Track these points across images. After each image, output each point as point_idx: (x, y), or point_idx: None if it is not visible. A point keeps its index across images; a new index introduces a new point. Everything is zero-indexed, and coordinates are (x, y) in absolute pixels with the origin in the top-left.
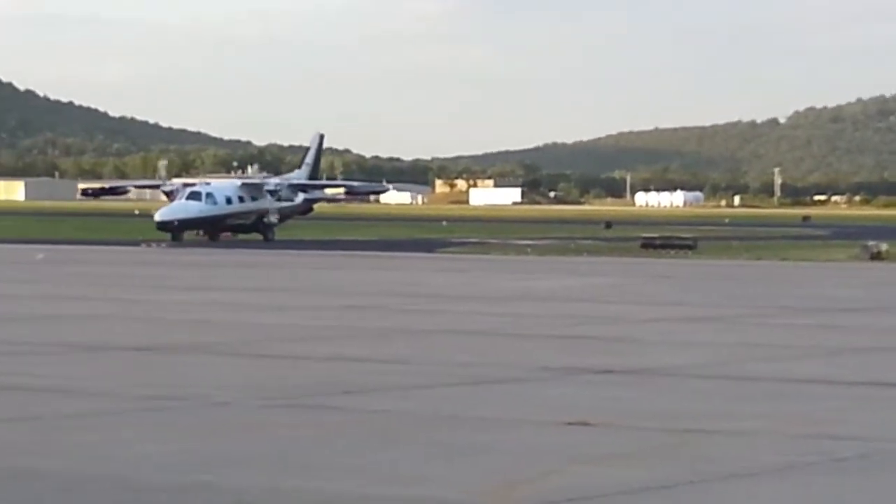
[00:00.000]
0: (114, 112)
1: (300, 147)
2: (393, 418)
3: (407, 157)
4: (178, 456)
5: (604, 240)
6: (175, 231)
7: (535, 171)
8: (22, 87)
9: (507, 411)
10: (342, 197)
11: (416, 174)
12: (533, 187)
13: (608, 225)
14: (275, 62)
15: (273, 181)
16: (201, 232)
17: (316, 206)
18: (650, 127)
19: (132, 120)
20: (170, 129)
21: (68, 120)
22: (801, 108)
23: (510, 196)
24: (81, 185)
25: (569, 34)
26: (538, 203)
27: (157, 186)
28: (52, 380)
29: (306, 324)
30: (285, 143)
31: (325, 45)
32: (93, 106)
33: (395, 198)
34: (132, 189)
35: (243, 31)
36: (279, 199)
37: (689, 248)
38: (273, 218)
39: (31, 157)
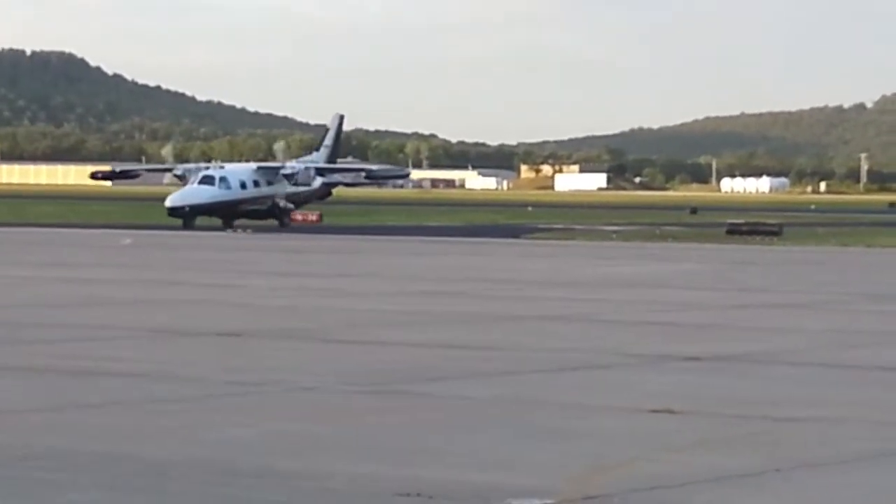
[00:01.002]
0: (201, 96)
1: (386, 132)
2: (478, 404)
3: (492, 142)
4: (264, 441)
5: (689, 226)
6: (186, 217)
7: (621, 156)
8: (110, 72)
9: (591, 398)
10: (363, 181)
11: (501, 159)
12: (618, 173)
13: (693, 211)
14: (360, 47)
15: (289, 164)
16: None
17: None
18: (736, 112)
19: (219, 104)
20: (256, 113)
21: (156, 104)
22: (889, 92)
23: (595, 181)
24: (92, 169)
25: (655, 18)
26: (623, 189)
27: (169, 170)
28: (140, 365)
29: (392, 309)
30: (371, 128)
31: (411, 29)
32: (180, 90)
33: (480, 183)
34: (143, 173)
35: (329, 16)
36: (296, 184)
37: (775, 234)
38: (284, 203)
39: (118, 141)
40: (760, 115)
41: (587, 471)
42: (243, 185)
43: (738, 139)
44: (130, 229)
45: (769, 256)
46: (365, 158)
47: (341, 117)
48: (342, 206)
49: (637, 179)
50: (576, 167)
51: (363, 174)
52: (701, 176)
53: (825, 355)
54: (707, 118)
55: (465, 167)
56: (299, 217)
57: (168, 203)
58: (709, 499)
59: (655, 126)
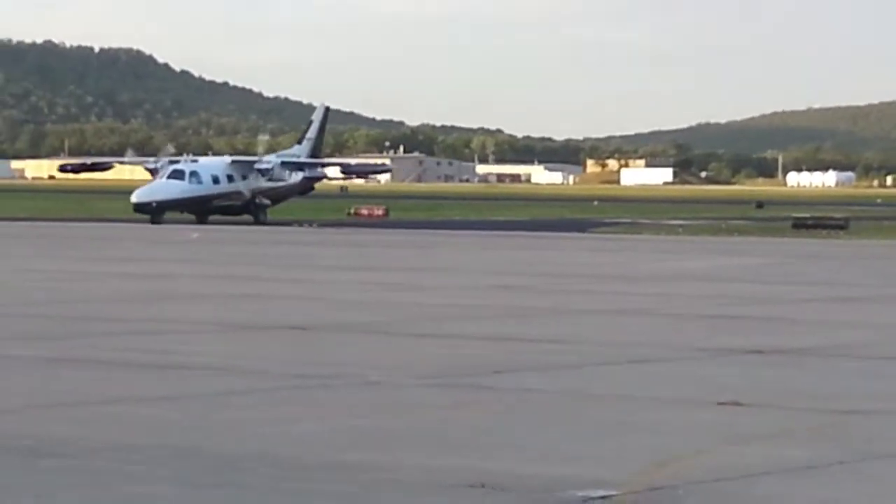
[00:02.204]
0: (268, 92)
1: (453, 127)
2: (545, 398)
3: (559, 136)
4: (332, 434)
5: (755, 220)
6: (154, 213)
7: (687, 151)
8: (177, 68)
9: (658, 391)
10: (341, 176)
11: (567, 154)
12: (684, 167)
13: (759, 205)
14: (428, 42)
15: (266, 159)
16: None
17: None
18: (803, 106)
19: (286, 100)
20: None
21: (223, 100)
22: None
23: (661, 176)
24: (60, 162)
25: (723, 13)
26: (689, 183)
27: (141, 163)
28: (208, 358)
29: (459, 303)
30: (437, 124)
31: (477, 25)
32: (247, 86)
33: (546, 178)
34: (116, 165)
35: (394, 11)
36: (270, 179)
37: (841, 228)
38: (251, 197)
39: (185, 136)
40: (827, 109)
41: (654, 463)
42: (216, 180)
43: (805, 134)
44: (198, 224)
45: (835, 250)
46: (431, 154)
47: (326, 109)
48: (409, 200)
49: (703, 174)
50: (642, 162)
51: (339, 168)
52: (767, 170)
53: (891, 349)
54: (774, 113)
55: (531, 162)
56: (365, 211)
57: (134, 199)
58: (773, 491)
59: (722, 121)
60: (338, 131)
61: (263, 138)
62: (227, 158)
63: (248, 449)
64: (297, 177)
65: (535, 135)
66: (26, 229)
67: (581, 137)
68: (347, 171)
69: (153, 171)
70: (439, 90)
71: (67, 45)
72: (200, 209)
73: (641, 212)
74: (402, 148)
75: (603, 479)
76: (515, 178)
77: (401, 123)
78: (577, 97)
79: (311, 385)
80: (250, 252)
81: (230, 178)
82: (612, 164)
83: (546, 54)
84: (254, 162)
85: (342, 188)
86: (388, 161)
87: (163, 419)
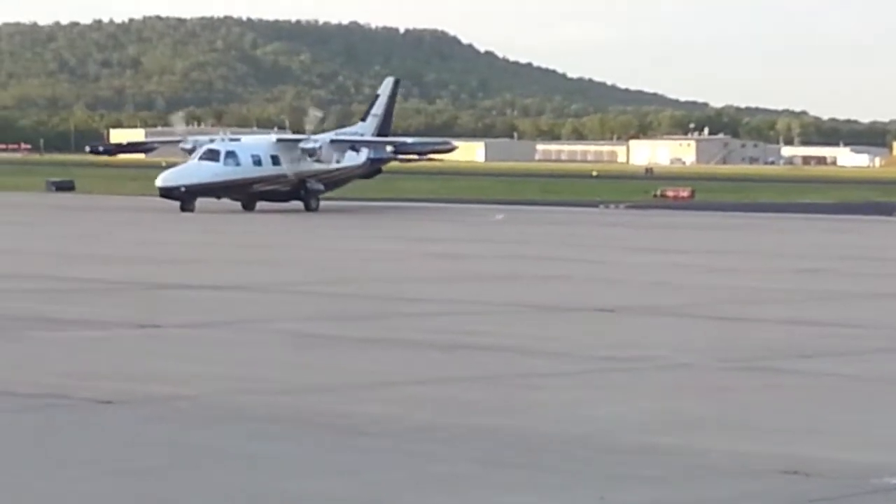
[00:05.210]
0: (572, 73)
1: (757, 109)
2: (853, 382)
3: (864, 119)
4: (640, 417)
5: None
6: (183, 199)
7: None
8: (482, 49)
9: None
10: (409, 157)
11: (873, 136)
12: None
13: None
14: (730, 24)
15: (314, 137)
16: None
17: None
18: None
19: (590, 81)
20: (626, 90)
21: (527, 81)
22: None
23: None
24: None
25: None
26: None
27: (177, 142)
28: (513, 339)
29: (762, 286)
30: (742, 105)
31: (782, 5)
32: (551, 67)
33: (851, 160)
34: (158, 146)
35: None
36: (318, 161)
37: None
38: (312, 182)
39: (490, 118)
40: None
41: None
42: (257, 162)
43: None
44: (503, 205)
45: None
46: (736, 135)
47: (396, 82)
48: (715, 182)
49: None
50: None
51: (390, 148)
52: None
53: None
54: None
55: (836, 144)
56: (671, 193)
57: (159, 182)
58: None
59: None
60: (642, 112)
61: (316, 114)
62: (272, 137)
63: (553, 430)
64: (358, 158)
65: (840, 117)
66: (330, 208)
67: (887, 119)
68: (401, 150)
69: (190, 152)
70: (744, 71)
71: (373, 25)
72: (239, 195)
73: None
74: (706, 130)
75: None
76: (821, 160)
77: (705, 105)
78: (884, 78)
79: (619, 367)
80: (555, 233)
81: (275, 160)
82: None
83: (851, 34)
84: (300, 141)
85: (647, 170)
86: (451, 140)
87: (465, 399)
